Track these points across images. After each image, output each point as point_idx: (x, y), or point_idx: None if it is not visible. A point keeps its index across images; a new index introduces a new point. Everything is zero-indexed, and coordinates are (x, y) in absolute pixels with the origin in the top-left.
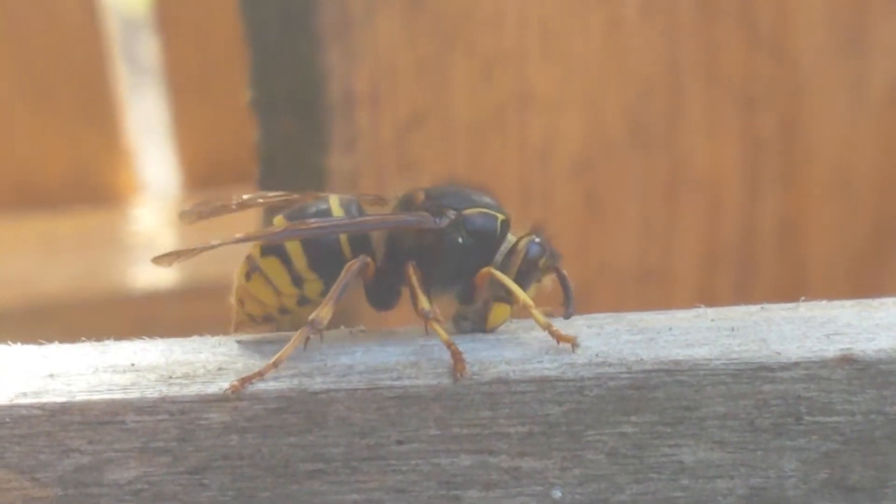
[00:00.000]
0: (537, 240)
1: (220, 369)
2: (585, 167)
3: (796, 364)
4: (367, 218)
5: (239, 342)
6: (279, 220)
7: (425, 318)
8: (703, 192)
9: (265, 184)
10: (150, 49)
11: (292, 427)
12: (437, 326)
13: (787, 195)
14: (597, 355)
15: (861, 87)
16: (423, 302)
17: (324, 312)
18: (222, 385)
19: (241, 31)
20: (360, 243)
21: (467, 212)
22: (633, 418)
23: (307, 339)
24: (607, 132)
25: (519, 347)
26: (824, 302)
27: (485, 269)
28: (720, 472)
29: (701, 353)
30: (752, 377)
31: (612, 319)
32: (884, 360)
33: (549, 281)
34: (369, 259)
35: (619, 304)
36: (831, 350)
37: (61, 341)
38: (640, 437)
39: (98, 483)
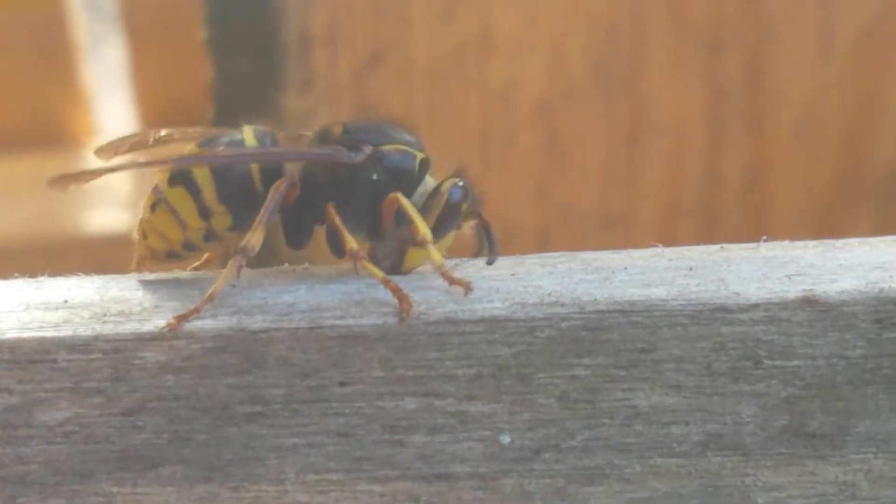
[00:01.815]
0: (461, 183)
1: (156, 307)
2: (547, 110)
3: (756, 305)
4: (279, 150)
5: (178, 279)
6: (190, 149)
7: (354, 257)
8: (667, 137)
9: (219, 124)
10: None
11: (230, 367)
12: (369, 265)
13: (751, 142)
14: (549, 294)
15: (828, 34)
16: (351, 241)
17: (255, 238)
18: (158, 323)
19: None
20: (273, 176)
21: (384, 148)
22: (585, 361)
23: (240, 267)
24: (570, 75)
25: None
26: (786, 242)
27: (391, 195)
28: (675, 418)
29: (657, 293)
30: (710, 318)
31: (566, 259)
32: (847, 301)
33: (468, 228)
34: (295, 181)
35: (579, 249)
36: (792, 291)
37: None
38: (592, 381)
39: (28, 424)
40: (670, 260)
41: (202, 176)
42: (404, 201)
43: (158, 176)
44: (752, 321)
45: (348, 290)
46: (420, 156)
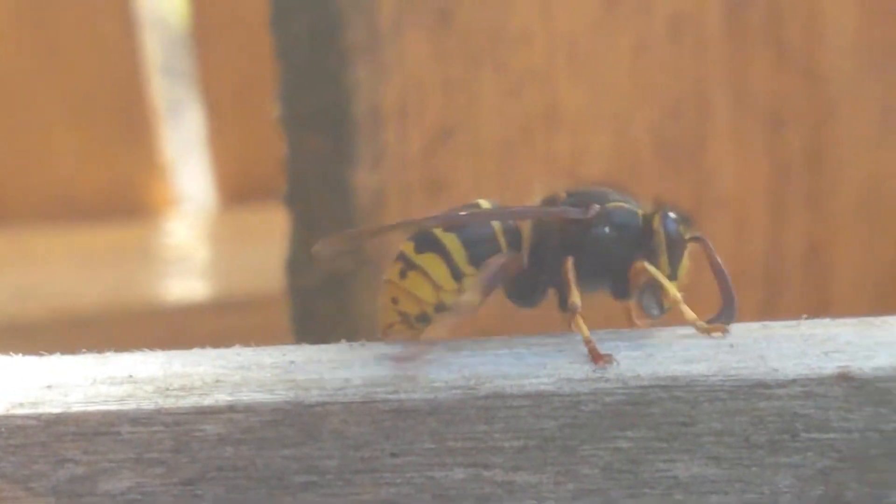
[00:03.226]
0: (670, 214)
1: (217, 381)
2: (613, 184)
3: (793, 381)
4: (519, 208)
5: (238, 355)
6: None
7: (573, 311)
8: (729, 211)
9: (292, 199)
10: (189, 65)
11: (287, 439)
12: (580, 321)
13: (813, 216)
14: (594, 371)
15: (890, 111)
16: (575, 296)
17: (466, 300)
18: (218, 397)
19: (272, 46)
20: (513, 235)
21: (609, 205)
22: (628, 433)
23: (450, 325)
24: (634, 151)
25: (518, 362)
26: (827, 320)
27: (639, 265)
28: (714, 488)
29: (699, 369)
30: (749, 394)
31: (613, 335)
32: (881, 377)
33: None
34: (518, 254)
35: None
36: (829, 367)
37: (95, 352)
38: (635, 453)
39: (92, 493)
40: (713, 336)
41: (451, 242)
42: (652, 270)
43: (403, 246)
44: (790, 396)
45: (402, 366)
46: (641, 212)
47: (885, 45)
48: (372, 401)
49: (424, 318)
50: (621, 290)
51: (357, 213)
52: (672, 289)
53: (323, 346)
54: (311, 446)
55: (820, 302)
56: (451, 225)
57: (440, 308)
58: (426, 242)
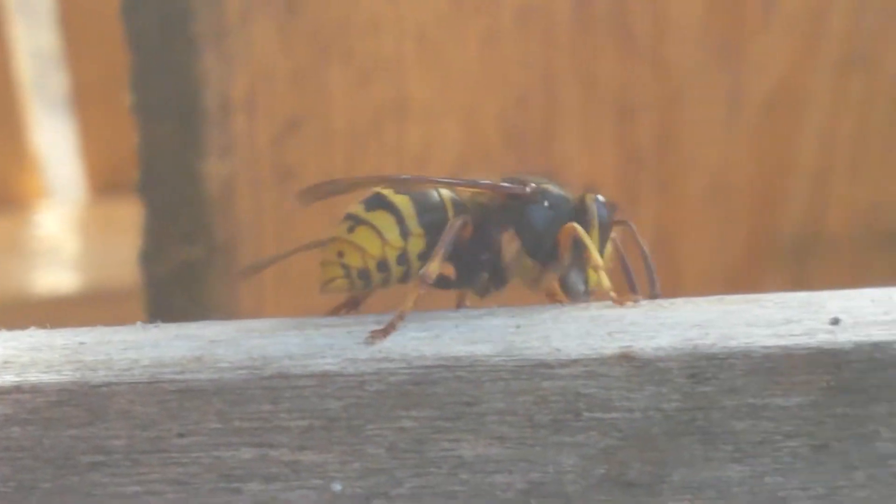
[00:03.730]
0: (601, 198)
1: (5, 363)
2: (462, 175)
3: (576, 361)
4: (468, 179)
5: (31, 336)
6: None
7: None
8: None
9: (144, 188)
10: (58, 54)
11: (73, 419)
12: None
13: (662, 205)
14: (379, 351)
15: (736, 99)
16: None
17: (432, 266)
18: (5, 378)
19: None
20: (460, 208)
21: (544, 185)
22: (413, 413)
23: (418, 293)
24: (484, 140)
25: (306, 343)
26: None
27: (568, 225)
28: (499, 468)
29: (482, 349)
30: (532, 374)
31: (413, 316)
32: (662, 357)
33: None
34: (468, 218)
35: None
36: (611, 347)
37: None
38: (419, 432)
39: None
40: (501, 318)
41: (403, 202)
42: (580, 231)
43: (351, 207)
44: (573, 376)
45: (190, 347)
46: (569, 195)
47: (731, 34)
48: (158, 381)
49: (365, 275)
50: (553, 264)
51: (208, 202)
52: (595, 253)
53: (116, 328)
54: (98, 426)
55: (671, 289)
56: (405, 188)
57: (382, 266)
58: (377, 203)
